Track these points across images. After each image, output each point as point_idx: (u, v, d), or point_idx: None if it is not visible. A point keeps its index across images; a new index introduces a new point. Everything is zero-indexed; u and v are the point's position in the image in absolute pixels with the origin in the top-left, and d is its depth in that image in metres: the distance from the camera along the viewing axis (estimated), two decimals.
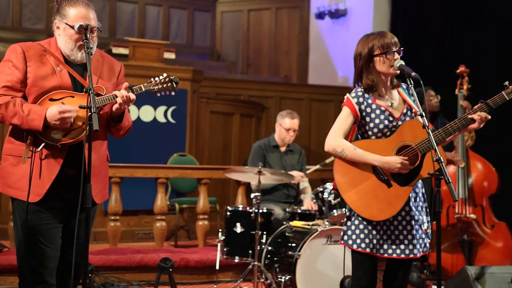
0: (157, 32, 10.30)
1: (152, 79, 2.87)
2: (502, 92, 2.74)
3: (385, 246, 2.80)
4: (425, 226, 2.85)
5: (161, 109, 6.73)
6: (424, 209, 2.88)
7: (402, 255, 2.78)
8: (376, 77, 2.84)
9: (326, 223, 4.27)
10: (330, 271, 4.10)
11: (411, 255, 2.79)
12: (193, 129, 6.99)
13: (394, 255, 2.79)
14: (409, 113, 2.85)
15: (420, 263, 5.13)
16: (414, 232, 2.79)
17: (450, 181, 2.52)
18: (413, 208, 2.81)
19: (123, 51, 7.28)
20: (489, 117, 2.75)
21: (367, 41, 2.83)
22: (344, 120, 2.87)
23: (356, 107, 2.84)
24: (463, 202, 4.87)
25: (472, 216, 4.83)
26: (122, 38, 8.60)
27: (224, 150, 7.58)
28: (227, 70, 10.15)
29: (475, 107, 2.78)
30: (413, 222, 2.80)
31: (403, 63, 2.76)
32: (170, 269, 4.20)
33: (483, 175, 4.93)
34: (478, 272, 3.75)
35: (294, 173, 4.91)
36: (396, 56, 2.78)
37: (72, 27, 2.66)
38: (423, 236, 2.83)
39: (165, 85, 2.86)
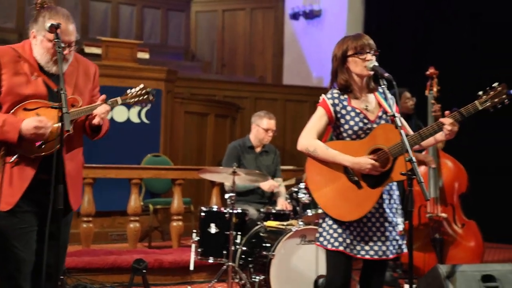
0: (131, 32, 10.22)
1: (128, 91, 2.85)
2: (475, 101, 2.75)
3: (358, 247, 2.82)
4: (399, 227, 2.87)
5: (135, 109, 6.66)
6: (398, 211, 2.90)
7: (375, 256, 2.80)
8: (350, 79, 2.86)
9: (300, 223, 4.29)
10: (304, 270, 4.11)
11: (384, 256, 2.81)
12: (167, 129, 6.95)
13: (367, 256, 2.81)
14: (384, 116, 2.87)
15: (392, 262, 5.18)
16: (388, 233, 2.82)
17: (422, 180, 2.54)
18: (387, 210, 2.84)
19: (96, 50, 7.22)
20: (456, 129, 2.75)
21: (343, 43, 2.87)
22: (318, 120, 2.88)
23: (331, 109, 2.86)
24: (435, 201, 4.94)
25: (443, 215, 4.90)
26: (95, 38, 8.50)
27: (198, 151, 7.56)
28: (202, 70, 10.13)
29: (447, 112, 2.79)
30: (386, 223, 2.82)
31: (376, 64, 2.79)
32: (144, 271, 4.17)
33: (453, 175, 5.00)
34: (449, 271, 3.80)
35: (267, 183, 4.88)
36: (369, 57, 2.80)
37: (51, 40, 2.61)
38: (397, 237, 2.84)
39: (141, 98, 2.85)
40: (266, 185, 4.92)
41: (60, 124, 2.44)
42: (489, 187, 7.71)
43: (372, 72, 2.81)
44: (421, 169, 4.98)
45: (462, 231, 4.90)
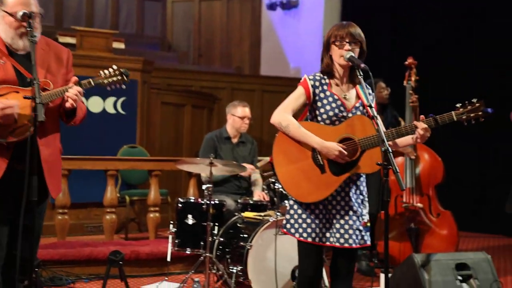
0: (106, 21, 10.08)
1: (101, 72, 2.79)
2: (452, 112, 2.78)
3: (327, 234, 2.84)
4: (364, 219, 2.88)
5: (111, 100, 6.60)
6: (365, 202, 2.92)
7: (337, 244, 2.82)
8: (332, 65, 2.89)
9: (278, 213, 4.30)
10: (281, 261, 4.13)
11: (346, 245, 2.82)
12: (144, 120, 6.90)
13: (327, 243, 2.83)
14: (361, 108, 2.88)
15: (368, 252, 5.24)
16: (351, 222, 2.83)
17: (398, 171, 2.57)
18: (353, 199, 2.85)
19: (70, 40, 7.12)
20: (428, 134, 2.77)
21: (331, 29, 2.89)
22: (296, 98, 2.91)
23: (311, 90, 2.88)
24: (411, 191, 4.99)
25: (419, 205, 4.95)
26: (69, 27, 8.35)
27: (175, 142, 7.51)
28: (179, 60, 10.06)
29: (421, 117, 2.81)
30: (351, 212, 2.84)
31: (353, 54, 2.79)
32: (120, 262, 4.14)
33: (429, 165, 5.06)
34: (424, 260, 3.84)
35: (245, 166, 4.90)
36: (347, 47, 2.80)
37: (12, 14, 2.56)
38: (361, 228, 2.85)
39: (115, 78, 2.79)
40: (246, 165, 4.93)
41: (33, 113, 2.40)
42: (464, 179, 7.83)
43: (348, 63, 2.82)
44: (398, 160, 5.03)
45: (438, 220, 4.96)
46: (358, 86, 2.92)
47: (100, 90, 6.35)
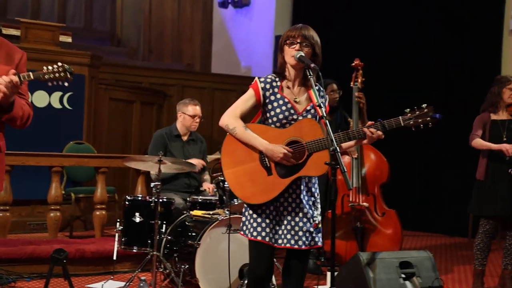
0: (53, 14, 9.82)
1: (44, 67, 2.69)
2: (399, 117, 2.78)
3: (277, 236, 2.86)
4: (315, 220, 2.90)
5: (57, 94, 6.44)
6: (316, 204, 2.94)
7: (287, 245, 2.84)
8: (285, 66, 2.91)
9: (226, 212, 4.29)
10: (229, 259, 4.12)
11: (296, 246, 2.84)
12: (91, 116, 6.76)
13: (280, 245, 2.85)
14: (312, 111, 2.90)
15: (316, 251, 5.30)
16: (302, 224, 2.85)
17: (345, 170, 2.60)
18: (304, 201, 2.87)
19: (14, 32, 6.90)
20: (382, 136, 2.80)
21: (286, 30, 2.92)
22: (245, 100, 2.92)
23: (261, 92, 2.89)
24: (357, 191, 5.07)
25: (365, 204, 5.04)
26: (14, 19, 8.09)
27: (123, 139, 7.40)
28: (128, 56, 9.90)
29: (370, 123, 2.83)
30: (301, 214, 2.86)
31: (303, 54, 2.82)
32: (64, 260, 4.05)
33: (375, 165, 5.15)
34: (369, 258, 3.92)
35: (195, 161, 4.89)
36: (297, 47, 2.83)
37: None
38: (311, 229, 2.87)
39: (57, 75, 2.67)
40: (196, 160, 4.91)
41: None
42: (408, 178, 8.03)
43: (299, 63, 2.83)
44: (345, 159, 5.10)
45: (383, 219, 5.06)
46: (311, 90, 2.93)
47: (46, 84, 6.19)
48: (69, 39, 7.39)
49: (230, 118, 2.90)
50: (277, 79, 2.93)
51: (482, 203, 4.60)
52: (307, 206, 2.88)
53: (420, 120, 2.76)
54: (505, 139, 4.50)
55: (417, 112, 2.77)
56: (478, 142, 4.63)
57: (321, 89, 2.92)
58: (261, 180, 2.82)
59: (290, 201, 2.86)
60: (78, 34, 9.11)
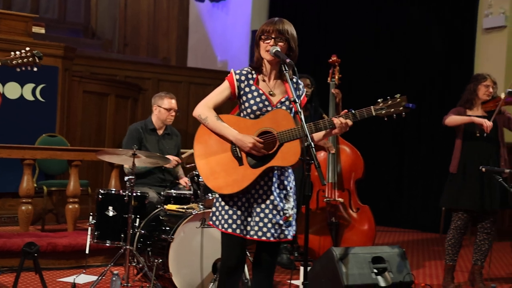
0: (26, 4, 9.65)
1: (12, 52, 2.64)
2: (371, 107, 2.75)
3: (248, 227, 2.86)
4: (286, 214, 2.89)
5: (29, 86, 6.33)
6: (288, 198, 2.93)
7: (255, 237, 2.85)
8: (261, 60, 2.90)
9: (201, 206, 4.28)
10: (203, 254, 4.12)
11: (264, 238, 2.84)
12: (64, 108, 6.67)
13: (248, 236, 2.86)
14: (287, 103, 2.90)
15: (290, 245, 5.32)
16: (271, 216, 2.85)
17: (320, 166, 2.61)
18: (274, 194, 2.87)
19: None
20: (350, 123, 2.77)
21: (262, 25, 2.91)
22: (220, 92, 2.94)
23: (236, 84, 2.90)
24: (332, 186, 5.11)
25: (340, 199, 5.08)
26: None
27: (97, 132, 7.32)
28: (103, 48, 9.79)
29: (342, 113, 2.82)
30: (271, 206, 2.86)
31: (279, 49, 2.82)
32: (35, 254, 3.99)
33: (351, 161, 5.19)
34: (342, 253, 3.95)
35: (170, 157, 4.85)
36: (272, 42, 2.83)
37: None
38: (281, 222, 2.86)
39: (25, 60, 2.64)
40: (171, 157, 4.88)
41: None
42: (381, 174, 8.10)
43: (274, 58, 2.83)
44: (321, 155, 5.13)
45: (357, 215, 5.11)
46: (287, 84, 2.93)
47: (18, 76, 6.09)
48: (42, 30, 7.27)
49: (203, 109, 2.92)
50: (253, 71, 2.93)
51: (454, 197, 4.64)
52: (278, 199, 2.87)
53: (392, 110, 2.73)
54: (478, 135, 4.56)
55: (390, 102, 2.74)
56: (454, 118, 4.58)
57: (299, 82, 2.92)
58: (232, 171, 2.83)
59: (261, 193, 2.86)
60: (52, 25, 8.98)
